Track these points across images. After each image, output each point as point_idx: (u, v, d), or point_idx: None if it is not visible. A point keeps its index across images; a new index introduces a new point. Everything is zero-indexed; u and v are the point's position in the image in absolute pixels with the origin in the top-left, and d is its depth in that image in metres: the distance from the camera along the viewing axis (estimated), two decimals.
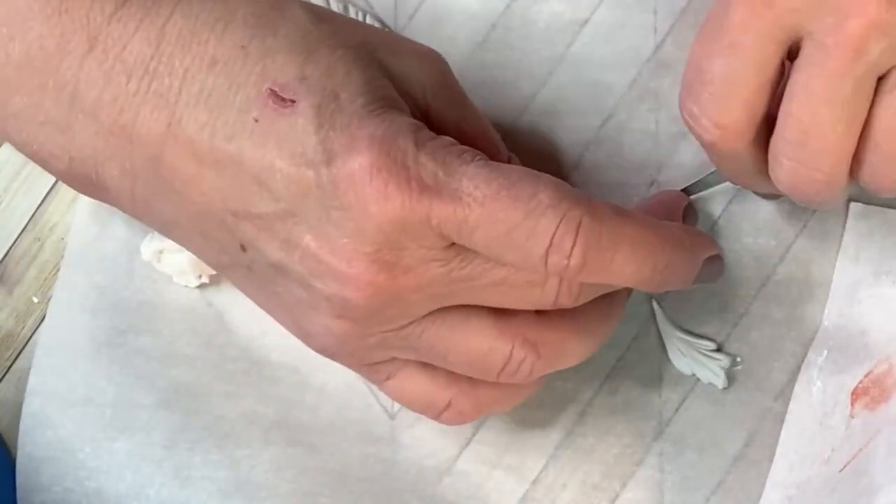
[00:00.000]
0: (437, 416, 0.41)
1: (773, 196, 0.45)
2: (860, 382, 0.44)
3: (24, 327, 0.49)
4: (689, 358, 0.46)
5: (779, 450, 0.45)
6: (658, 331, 0.46)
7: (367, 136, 0.36)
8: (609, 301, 0.40)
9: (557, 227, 0.36)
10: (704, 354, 0.46)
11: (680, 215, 0.44)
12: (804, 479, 0.44)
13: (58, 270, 0.48)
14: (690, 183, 0.45)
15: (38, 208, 0.49)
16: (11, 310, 0.49)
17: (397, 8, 0.48)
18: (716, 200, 0.46)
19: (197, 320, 0.48)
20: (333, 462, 0.47)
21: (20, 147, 0.40)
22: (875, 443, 0.42)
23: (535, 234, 0.36)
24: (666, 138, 0.47)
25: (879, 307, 0.45)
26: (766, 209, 0.46)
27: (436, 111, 0.40)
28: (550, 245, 0.36)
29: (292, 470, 0.47)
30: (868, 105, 0.37)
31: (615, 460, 0.46)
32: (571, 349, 0.40)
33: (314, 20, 0.38)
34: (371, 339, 0.39)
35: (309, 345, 0.40)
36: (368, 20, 0.48)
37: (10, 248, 0.49)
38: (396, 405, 0.47)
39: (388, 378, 0.41)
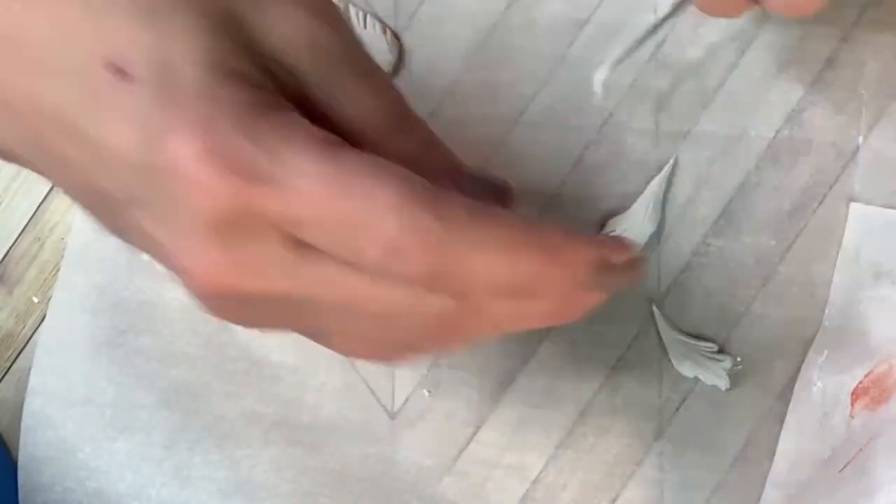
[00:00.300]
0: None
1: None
2: (860, 382, 0.44)
3: (24, 327, 0.49)
4: (692, 361, 0.46)
5: (779, 450, 0.45)
6: (658, 331, 0.46)
7: (193, 117, 0.32)
8: None
9: (397, 229, 0.31)
10: (707, 357, 0.46)
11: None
12: (804, 479, 0.44)
13: (58, 270, 0.48)
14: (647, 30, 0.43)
15: (38, 208, 0.49)
16: (11, 310, 0.49)
17: (397, 8, 0.48)
18: (715, 201, 0.46)
19: (197, 320, 0.48)
20: (333, 462, 0.47)
21: None
22: (875, 443, 0.42)
23: (371, 235, 0.31)
24: (666, 138, 0.46)
25: (879, 307, 0.45)
26: (766, 209, 0.46)
27: (319, 72, 0.35)
28: (388, 248, 0.31)
29: (292, 470, 0.47)
30: None
31: (615, 460, 0.46)
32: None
33: None
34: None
35: None
36: (369, 20, 0.48)
37: (10, 248, 0.49)
38: (397, 405, 0.47)
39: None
